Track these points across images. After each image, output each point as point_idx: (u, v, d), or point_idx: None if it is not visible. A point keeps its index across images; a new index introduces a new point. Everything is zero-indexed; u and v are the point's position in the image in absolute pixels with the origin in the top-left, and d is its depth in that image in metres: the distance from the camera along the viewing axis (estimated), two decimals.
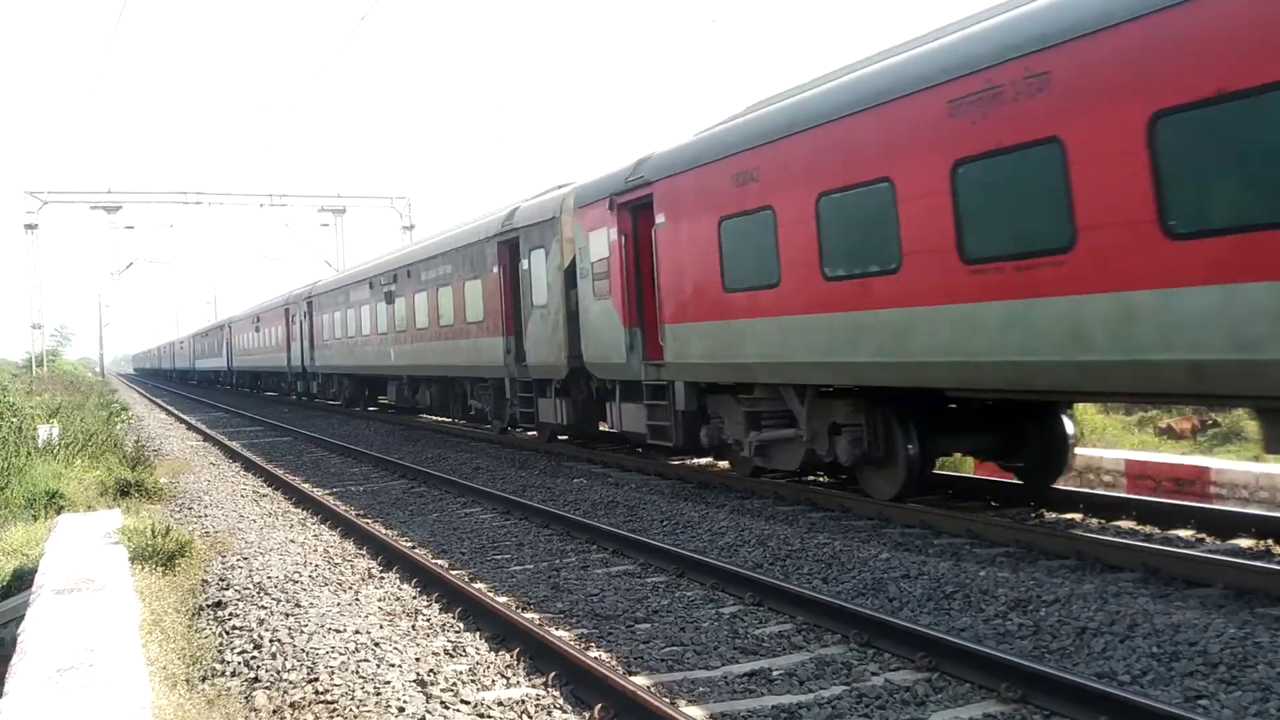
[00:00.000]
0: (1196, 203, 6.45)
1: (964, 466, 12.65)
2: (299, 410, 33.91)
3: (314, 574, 8.60)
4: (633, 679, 5.54)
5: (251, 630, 6.80)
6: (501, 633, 6.57)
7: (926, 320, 8.40)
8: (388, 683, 5.60)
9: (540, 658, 5.98)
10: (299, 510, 12.54)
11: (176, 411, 35.66)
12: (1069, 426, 9.83)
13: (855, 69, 9.74)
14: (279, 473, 15.82)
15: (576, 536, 9.94)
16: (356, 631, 6.66)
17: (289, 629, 6.75)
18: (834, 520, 9.99)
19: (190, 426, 27.83)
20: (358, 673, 5.79)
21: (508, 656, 6.11)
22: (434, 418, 25.10)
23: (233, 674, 6.00)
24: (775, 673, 5.74)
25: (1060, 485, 10.38)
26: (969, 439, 10.24)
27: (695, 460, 14.18)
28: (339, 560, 9.24)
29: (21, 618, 5.88)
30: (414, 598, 7.76)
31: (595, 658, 5.90)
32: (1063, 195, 7.10)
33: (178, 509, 12.77)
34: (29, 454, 14.21)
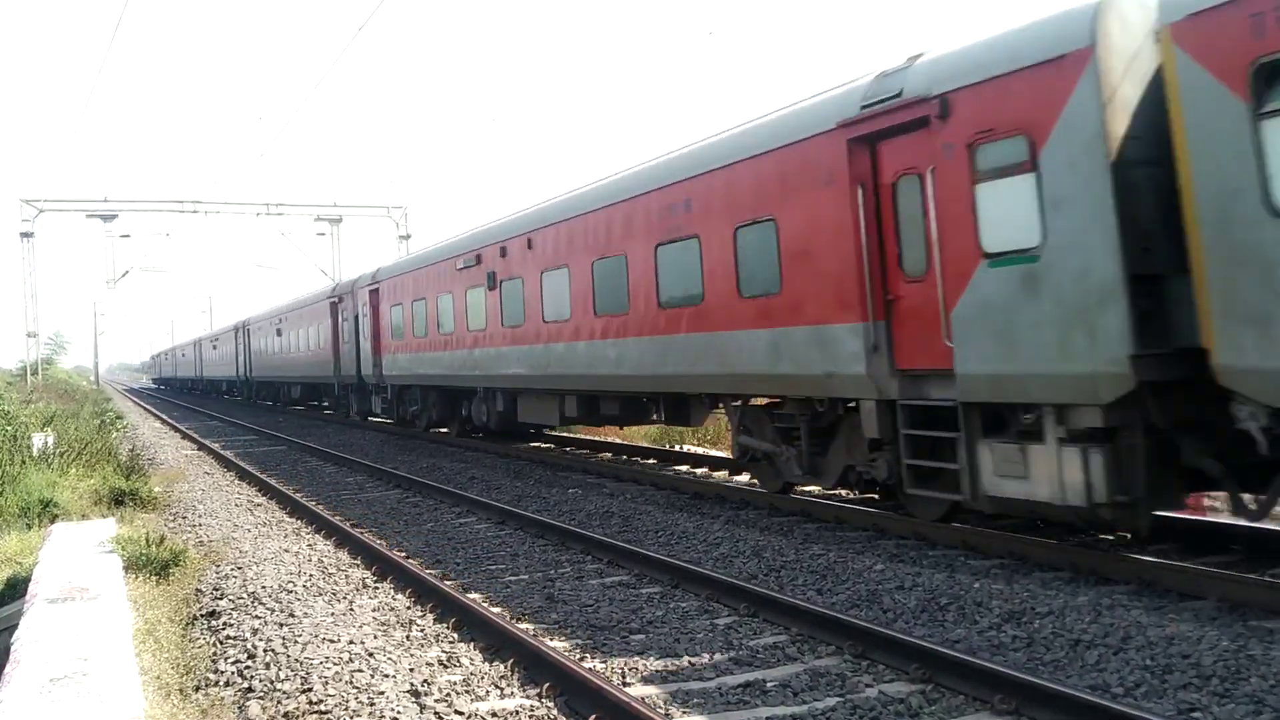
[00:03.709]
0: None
1: None
2: (294, 419, 33.86)
3: (308, 584, 8.59)
4: (627, 690, 5.54)
5: (245, 640, 6.79)
6: (496, 643, 6.56)
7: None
8: (382, 693, 5.59)
9: (535, 668, 5.98)
10: (293, 520, 12.52)
11: (171, 420, 35.60)
12: None
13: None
14: (273, 482, 15.79)
15: (571, 547, 9.94)
16: (350, 641, 6.65)
17: (283, 639, 6.74)
18: (829, 531, 10.00)
19: (184, 435, 27.78)
20: (351, 683, 5.78)
21: (502, 667, 6.10)
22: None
23: (226, 684, 5.99)
24: (769, 684, 5.74)
25: None
26: None
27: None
28: (333, 570, 9.23)
29: (15, 626, 5.86)
30: (408, 608, 7.75)
31: (590, 668, 5.89)
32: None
33: (172, 518, 12.75)
34: (23, 462, 14.17)
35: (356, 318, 27.35)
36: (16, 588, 8.34)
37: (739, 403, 11.82)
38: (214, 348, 56.72)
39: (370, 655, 6.32)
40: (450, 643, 6.76)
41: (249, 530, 11.59)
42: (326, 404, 36.58)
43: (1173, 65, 6.64)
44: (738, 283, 11.09)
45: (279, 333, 38.09)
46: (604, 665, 6.19)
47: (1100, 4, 7.11)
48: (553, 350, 15.51)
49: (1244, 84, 6.21)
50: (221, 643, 6.86)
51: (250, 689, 5.84)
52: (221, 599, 8.01)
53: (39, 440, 16.69)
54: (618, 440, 19.61)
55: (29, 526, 11.25)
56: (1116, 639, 5.98)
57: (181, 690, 5.88)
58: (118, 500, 13.02)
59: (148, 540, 8.77)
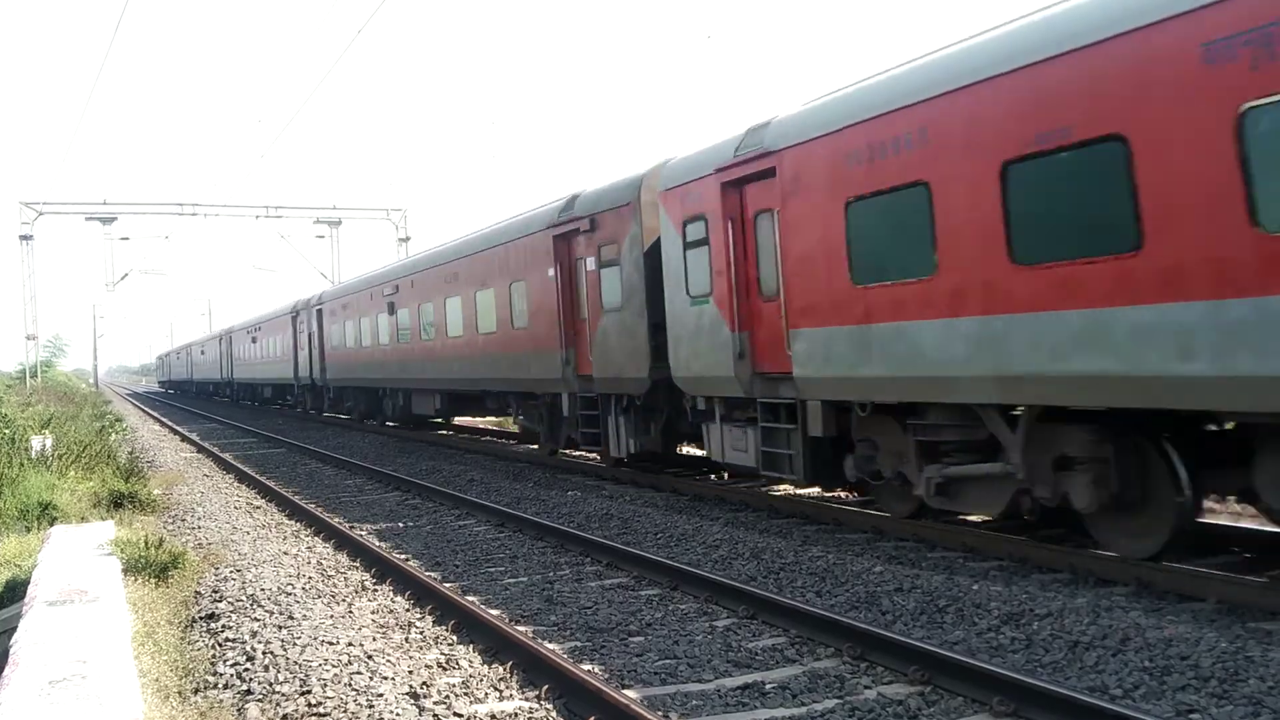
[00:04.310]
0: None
1: None
2: (293, 421, 33.85)
3: (307, 586, 8.59)
4: (625, 692, 5.54)
5: (244, 642, 6.79)
6: (495, 645, 6.56)
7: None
8: (380, 695, 5.59)
9: (533, 671, 5.98)
10: (292, 522, 12.52)
11: (170, 423, 35.61)
12: None
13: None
14: (272, 485, 15.79)
15: (570, 549, 9.94)
16: (349, 644, 6.65)
17: (282, 641, 6.74)
18: (828, 534, 10.00)
19: (184, 438, 27.77)
20: (350, 685, 5.78)
21: (501, 669, 6.10)
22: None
23: (225, 686, 5.99)
24: (768, 686, 5.74)
25: None
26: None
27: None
28: (332, 572, 9.23)
29: (14, 629, 5.86)
30: (407, 610, 7.75)
31: (588, 671, 5.89)
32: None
33: (171, 521, 12.75)
34: (22, 465, 14.15)
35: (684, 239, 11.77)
36: (15, 590, 8.32)
37: None
38: (252, 341, 42.27)
39: (369, 657, 6.32)
40: (449, 645, 6.76)
41: (248, 533, 11.59)
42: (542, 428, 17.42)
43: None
44: None
45: (391, 309, 23.91)
46: (602, 668, 6.20)
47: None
48: None
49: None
50: (220, 645, 6.86)
51: (249, 691, 5.84)
52: (220, 601, 8.01)
53: (38, 443, 16.68)
54: None
55: (28, 529, 11.22)
56: (1115, 640, 5.98)
57: (180, 693, 5.87)
58: (117, 503, 13.00)
59: (147, 543, 8.76)
